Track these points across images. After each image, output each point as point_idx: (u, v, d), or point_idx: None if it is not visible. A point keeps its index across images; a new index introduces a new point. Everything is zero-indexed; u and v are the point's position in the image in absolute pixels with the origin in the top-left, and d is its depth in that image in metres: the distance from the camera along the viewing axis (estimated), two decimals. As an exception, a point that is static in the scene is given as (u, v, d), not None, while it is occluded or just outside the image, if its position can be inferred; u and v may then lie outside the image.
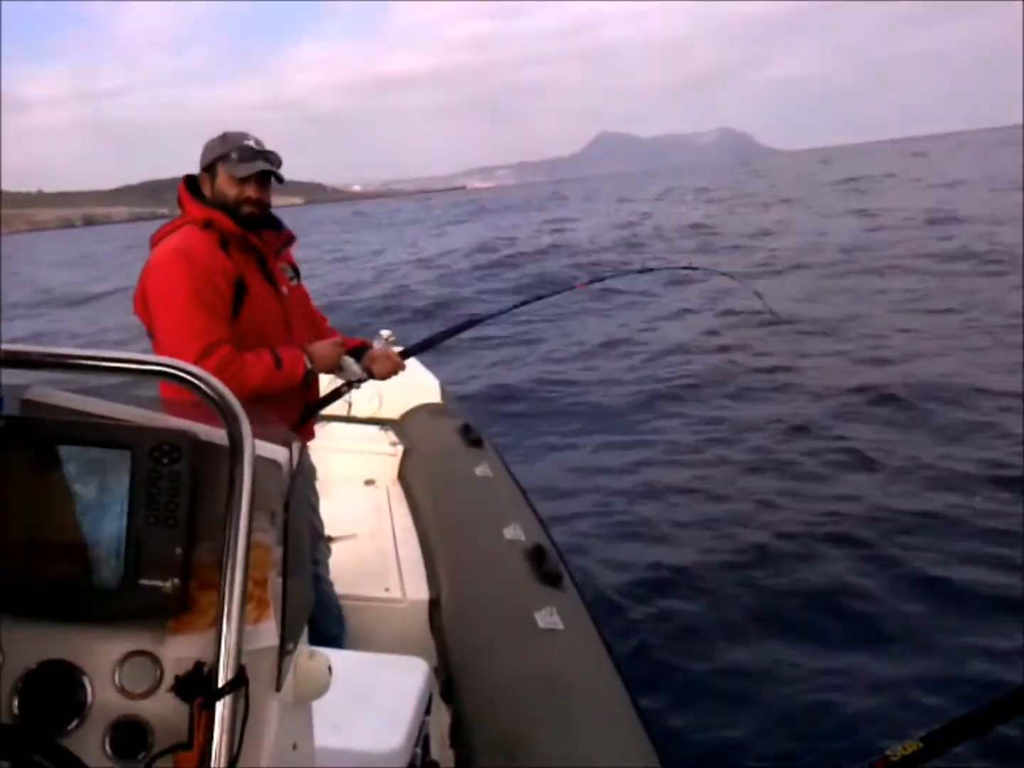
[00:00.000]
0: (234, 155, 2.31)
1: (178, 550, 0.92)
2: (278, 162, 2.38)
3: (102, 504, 0.92)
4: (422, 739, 1.88)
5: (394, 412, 4.46)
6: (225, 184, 2.33)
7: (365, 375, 2.60)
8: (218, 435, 0.93)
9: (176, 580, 0.92)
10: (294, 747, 1.04)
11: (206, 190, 2.36)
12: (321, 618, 2.56)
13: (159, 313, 2.25)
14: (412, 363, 5.29)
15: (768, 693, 3.49)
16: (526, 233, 28.68)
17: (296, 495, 1.02)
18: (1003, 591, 3.89)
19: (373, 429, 4.37)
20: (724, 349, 9.28)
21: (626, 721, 2.00)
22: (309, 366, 2.38)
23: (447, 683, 2.26)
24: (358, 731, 1.74)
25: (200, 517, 0.94)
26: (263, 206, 2.38)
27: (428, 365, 5.18)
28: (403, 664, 2.07)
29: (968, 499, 4.96)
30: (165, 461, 0.92)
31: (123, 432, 0.93)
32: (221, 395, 0.91)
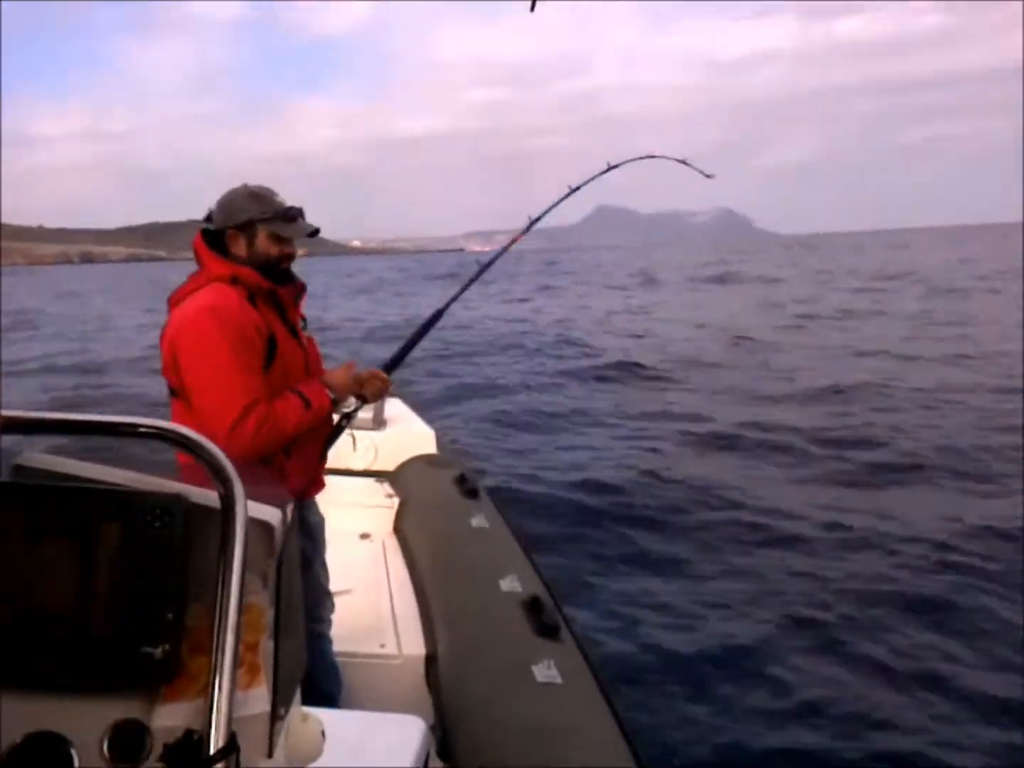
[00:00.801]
0: (277, 215, 2.34)
1: (169, 615, 0.91)
2: (302, 215, 2.42)
3: (93, 570, 0.91)
4: None
5: (390, 464, 4.45)
6: (266, 244, 2.34)
7: (359, 402, 2.61)
8: (211, 497, 0.93)
9: (167, 645, 0.91)
10: None
11: (238, 248, 2.34)
12: (319, 677, 2.52)
13: (196, 373, 2.19)
14: (407, 413, 5.32)
15: (771, 746, 3.44)
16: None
17: (289, 556, 1.02)
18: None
19: (369, 481, 4.35)
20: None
21: None
22: (332, 396, 2.41)
23: (444, 741, 2.23)
24: None
25: (192, 581, 0.93)
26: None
27: (426, 418, 5.19)
28: (399, 722, 2.04)
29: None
30: (157, 525, 0.91)
31: (114, 497, 0.93)
32: (213, 456, 0.91)
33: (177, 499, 0.93)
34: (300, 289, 2.49)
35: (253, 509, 0.92)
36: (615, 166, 3.74)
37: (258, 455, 2.18)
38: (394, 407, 5.24)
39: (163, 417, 1.15)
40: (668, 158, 3.80)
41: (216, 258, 2.32)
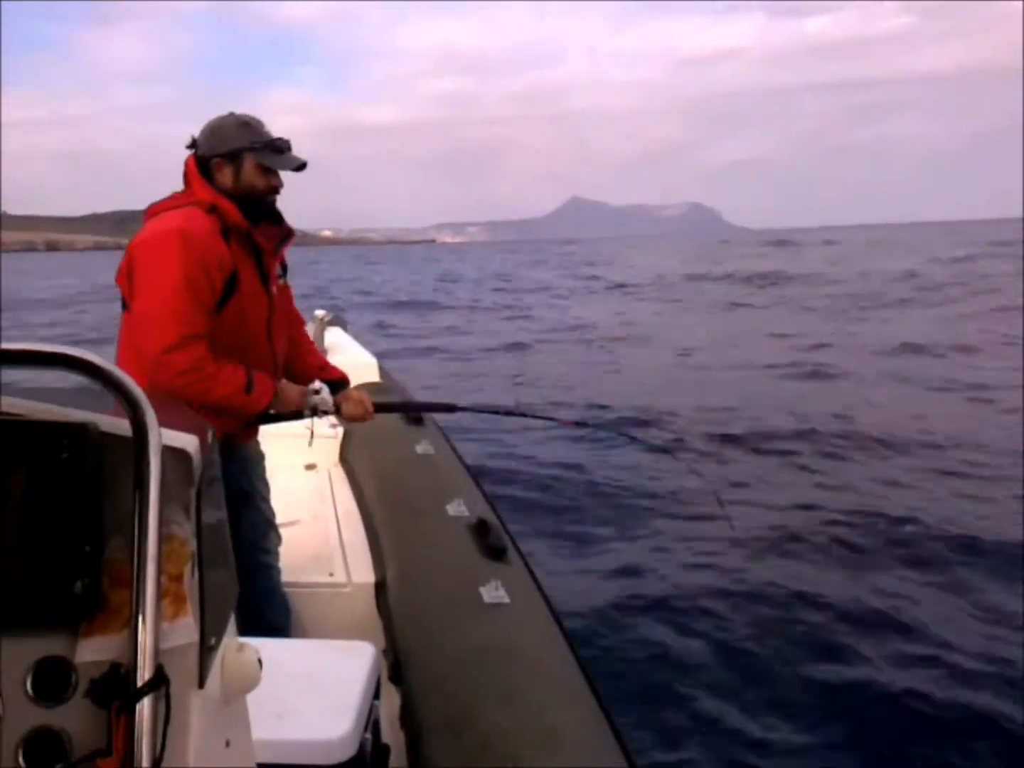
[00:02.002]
0: (266, 146, 2.27)
1: (86, 548, 0.88)
2: (290, 147, 2.34)
3: (1, 504, 0.86)
4: (371, 724, 1.85)
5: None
6: (253, 174, 2.27)
7: (333, 409, 2.53)
8: (123, 426, 0.89)
9: (86, 579, 0.87)
10: (227, 744, 1.01)
11: (224, 177, 2.26)
12: (267, 608, 2.52)
13: (143, 289, 2.16)
14: (349, 342, 5.24)
15: (712, 662, 3.55)
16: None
17: (212, 485, 0.98)
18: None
19: None
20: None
21: (577, 691, 1.99)
22: (271, 403, 2.32)
23: (395, 665, 2.24)
24: (303, 720, 1.71)
25: (109, 513, 0.89)
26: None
27: (366, 342, 5.11)
28: (349, 648, 2.04)
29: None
30: (65, 456, 0.87)
31: (17, 428, 0.88)
32: (120, 382, 0.86)
33: (85, 427, 0.88)
34: (285, 234, 2.40)
35: (168, 437, 0.88)
36: (634, 439, 3.97)
37: (176, 396, 2.09)
38: (335, 335, 5.16)
39: None
40: (643, 443, 3.71)
41: (202, 182, 2.26)
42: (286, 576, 2.64)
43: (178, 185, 2.33)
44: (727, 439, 7.28)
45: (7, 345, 0.86)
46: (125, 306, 2.24)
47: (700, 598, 4.15)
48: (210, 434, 0.97)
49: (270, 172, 2.30)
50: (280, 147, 2.30)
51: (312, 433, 2.67)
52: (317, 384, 2.53)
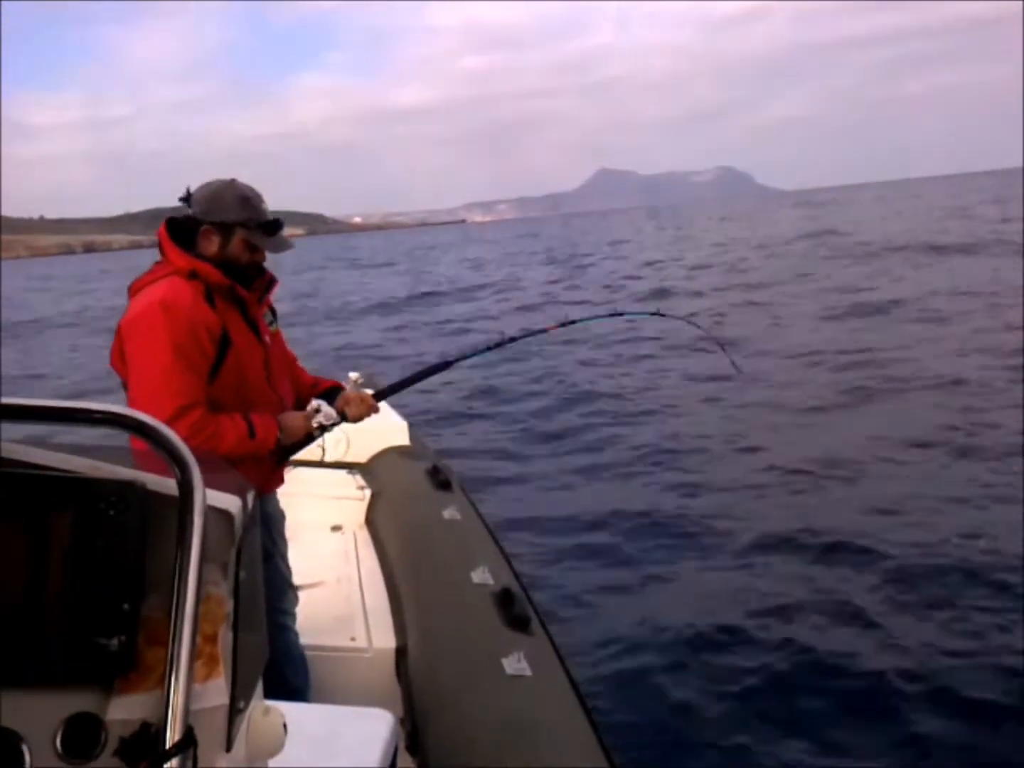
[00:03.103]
0: (259, 226, 2.30)
1: (125, 605, 0.89)
2: (282, 227, 2.38)
3: (45, 560, 0.88)
4: None
5: (362, 455, 4.41)
6: (239, 249, 2.30)
7: (339, 418, 2.55)
8: (168, 485, 0.91)
9: (123, 637, 0.88)
10: None
11: (209, 244, 2.29)
12: (286, 670, 2.50)
13: (135, 367, 2.17)
14: (382, 406, 5.27)
15: (742, 742, 3.46)
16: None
17: (250, 546, 0.99)
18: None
19: (340, 473, 4.32)
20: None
21: (597, 766, 1.96)
22: (279, 436, 2.35)
23: (413, 734, 2.21)
24: None
25: (149, 570, 0.91)
26: None
27: (396, 407, 5.15)
28: (368, 715, 2.02)
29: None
30: (111, 513, 0.89)
31: (67, 484, 0.90)
32: (170, 442, 0.88)
33: (132, 486, 0.90)
34: (268, 282, 2.44)
35: (212, 497, 0.90)
36: (620, 313, 3.72)
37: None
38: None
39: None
40: (674, 317, 3.70)
41: (178, 251, 2.27)
42: (307, 638, 2.62)
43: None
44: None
45: (62, 403, 0.89)
46: (125, 387, 2.25)
47: (729, 660, 4.06)
48: (251, 495, 0.99)
49: (256, 249, 2.33)
50: (273, 229, 2.33)
51: (323, 450, 2.66)
52: (315, 403, 2.52)
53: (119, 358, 2.23)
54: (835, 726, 3.49)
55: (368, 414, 2.64)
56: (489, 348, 3.20)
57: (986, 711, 3.45)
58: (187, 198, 2.32)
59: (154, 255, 2.36)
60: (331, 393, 2.62)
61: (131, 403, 2.17)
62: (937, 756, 3.26)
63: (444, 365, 3.00)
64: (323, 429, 2.57)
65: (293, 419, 2.44)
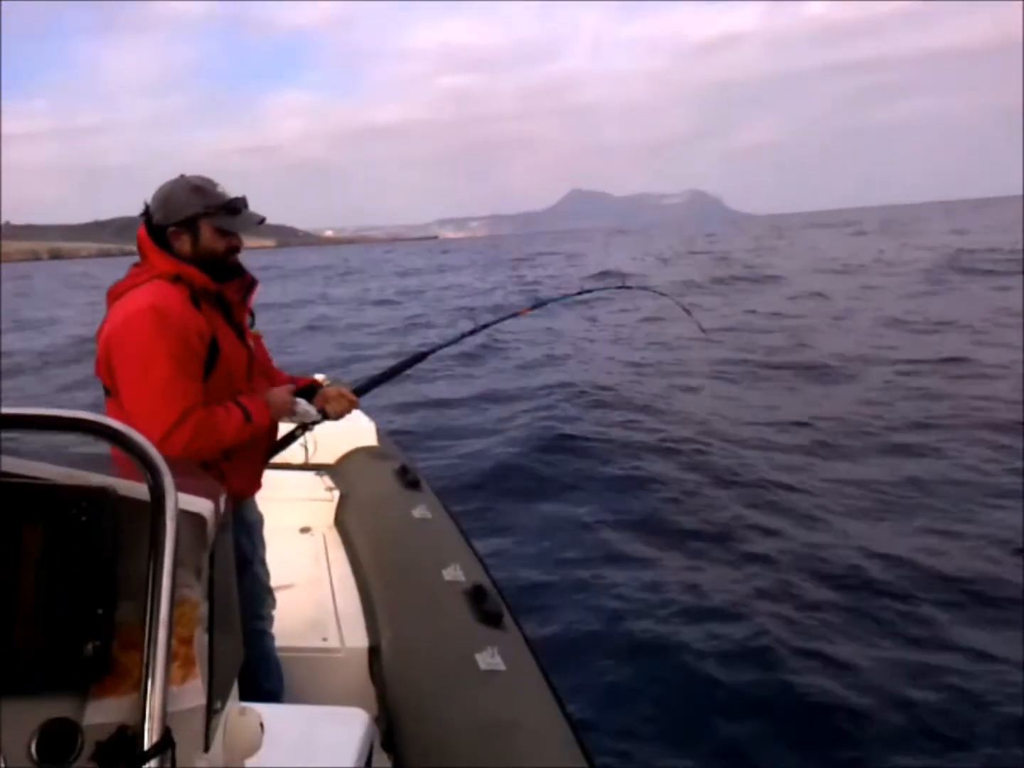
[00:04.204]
0: (220, 209, 2.24)
1: (99, 611, 0.89)
2: (246, 205, 2.31)
3: (17, 566, 0.88)
4: None
5: (329, 457, 4.40)
6: (212, 239, 2.25)
7: (319, 416, 2.53)
8: (140, 490, 0.91)
9: (97, 642, 0.89)
10: None
11: (182, 245, 2.23)
12: (261, 674, 2.49)
13: (130, 375, 2.10)
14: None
15: (715, 734, 3.51)
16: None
17: (223, 549, 1.00)
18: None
19: (308, 475, 4.30)
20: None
21: (571, 760, 1.98)
22: (272, 416, 2.35)
23: (388, 732, 2.22)
24: None
25: (122, 575, 0.91)
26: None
27: (366, 410, 5.13)
28: (342, 715, 2.03)
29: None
30: (83, 519, 0.89)
31: (38, 491, 0.91)
32: (140, 447, 0.89)
33: (104, 492, 0.90)
34: (248, 284, 2.39)
35: (184, 501, 0.91)
36: (588, 291, 3.74)
37: (192, 459, 2.12)
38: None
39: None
40: (645, 289, 3.76)
41: (161, 254, 2.22)
42: (279, 640, 2.62)
43: None
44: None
45: (30, 410, 0.89)
46: (108, 392, 2.20)
47: (707, 653, 4.11)
48: (223, 499, 0.99)
49: (229, 233, 2.28)
50: (236, 207, 2.27)
51: (307, 449, 2.64)
52: (291, 385, 2.51)
53: (104, 366, 2.15)
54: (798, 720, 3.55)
55: (349, 410, 2.61)
56: (464, 335, 3.19)
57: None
58: (146, 211, 2.27)
59: (121, 263, 2.31)
60: (308, 391, 2.58)
61: (124, 410, 2.11)
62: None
63: (421, 356, 3.01)
64: (304, 428, 2.55)
65: (277, 394, 2.42)
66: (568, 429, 8.24)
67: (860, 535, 5.34)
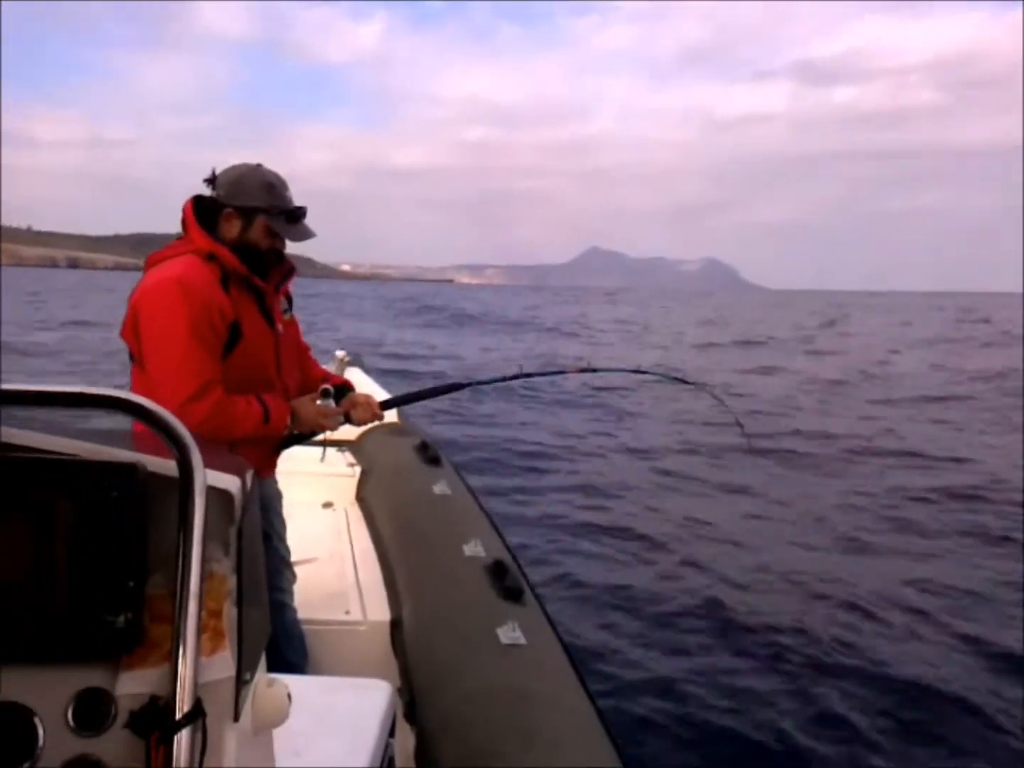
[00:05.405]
0: (283, 213, 2.28)
1: (130, 583, 0.91)
2: (305, 216, 2.35)
3: (49, 541, 0.90)
4: (386, 761, 1.87)
5: (351, 433, 4.42)
6: (261, 235, 2.28)
7: (343, 419, 2.55)
8: (168, 466, 0.93)
9: (128, 614, 0.91)
10: None
11: (230, 228, 2.27)
12: (283, 646, 2.53)
13: (153, 344, 2.15)
14: (368, 383, 5.29)
15: (731, 711, 3.53)
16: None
17: (250, 523, 1.02)
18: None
19: (330, 451, 4.32)
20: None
21: (591, 732, 2.00)
22: (289, 423, 2.35)
23: (410, 704, 2.25)
24: (321, 756, 1.72)
25: (152, 549, 0.93)
26: None
27: (385, 383, 5.16)
28: (365, 686, 2.06)
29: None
30: (114, 495, 0.91)
31: (68, 468, 0.92)
32: (169, 424, 0.90)
33: (134, 468, 0.92)
34: (287, 271, 2.42)
35: (212, 477, 0.92)
36: (643, 371, 3.60)
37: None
38: (354, 375, 5.21)
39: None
40: (654, 374, 3.61)
41: (200, 231, 2.25)
42: (302, 613, 2.66)
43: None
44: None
45: (61, 388, 0.91)
46: (133, 358, 2.24)
47: (722, 631, 4.14)
48: (250, 475, 1.01)
49: (277, 236, 2.31)
50: (296, 217, 2.31)
51: (324, 450, 2.67)
52: (323, 391, 2.51)
53: (131, 331, 2.20)
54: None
55: (372, 420, 2.64)
56: (505, 379, 3.22)
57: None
58: (212, 179, 2.30)
59: (138, 277, 2.31)
60: (339, 392, 2.59)
61: (147, 379, 2.17)
62: None
63: (458, 386, 3.01)
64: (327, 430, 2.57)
65: (306, 408, 2.43)
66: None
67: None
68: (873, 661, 3.85)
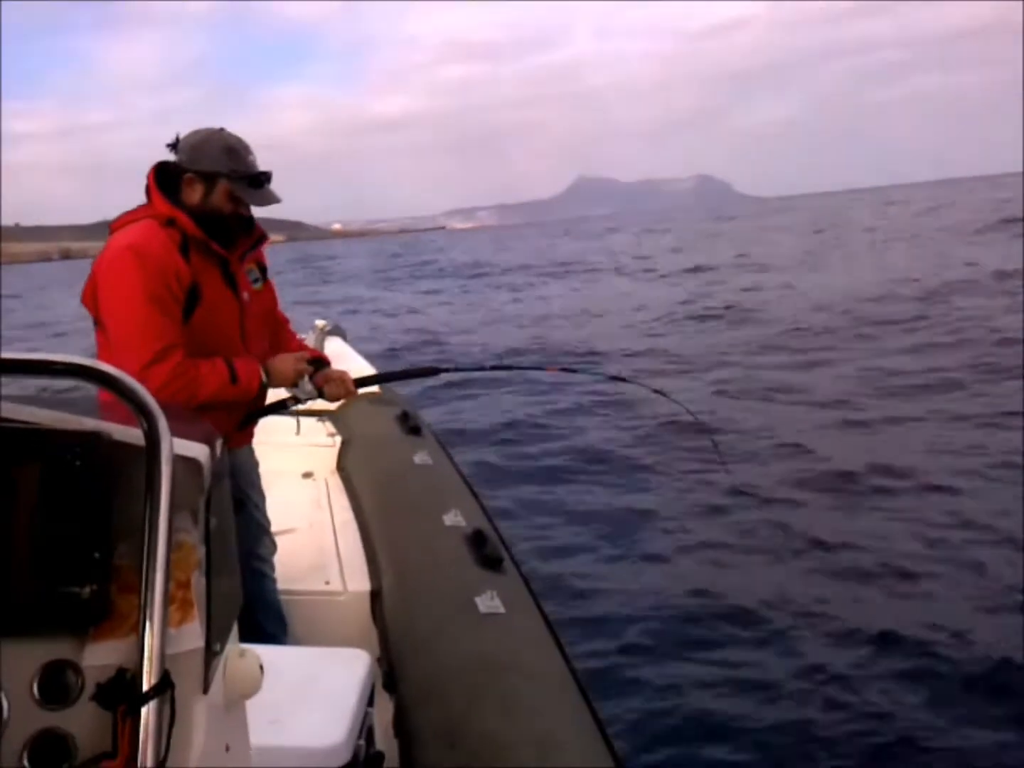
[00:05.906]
0: (244, 178, 2.25)
1: (96, 554, 0.90)
2: (270, 180, 2.32)
3: (12, 512, 0.88)
4: (365, 731, 1.87)
5: (331, 403, 4.40)
6: (222, 200, 2.26)
7: (316, 393, 2.52)
8: (135, 435, 0.91)
9: (94, 585, 0.89)
10: (227, 748, 1.03)
11: (191, 192, 2.25)
12: (261, 616, 2.53)
13: (111, 310, 2.17)
14: (349, 352, 5.26)
15: (708, 678, 3.56)
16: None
17: (220, 493, 1.00)
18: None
19: (310, 420, 4.30)
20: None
21: (570, 701, 2.01)
22: (264, 380, 2.33)
23: (389, 673, 2.26)
24: (299, 726, 1.73)
25: (118, 520, 0.91)
26: None
27: (365, 353, 5.13)
28: (344, 656, 2.06)
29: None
30: (78, 464, 0.89)
31: (31, 436, 0.90)
32: (134, 392, 0.88)
33: (98, 436, 0.90)
34: (257, 238, 2.40)
35: (179, 446, 0.90)
36: (623, 379, 3.53)
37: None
38: (335, 345, 5.18)
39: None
40: (632, 382, 3.53)
41: (161, 197, 2.24)
42: (282, 584, 2.65)
43: None
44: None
45: (25, 355, 0.88)
46: (97, 324, 2.25)
47: (696, 602, 4.17)
48: (219, 443, 0.99)
49: (240, 201, 2.28)
50: (259, 181, 2.28)
51: (298, 421, 2.65)
52: (304, 354, 2.52)
53: (91, 298, 2.22)
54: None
55: (345, 397, 2.64)
56: (481, 368, 3.19)
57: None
58: (175, 144, 2.28)
59: None
60: (315, 365, 2.56)
61: (108, 345, 2.17)
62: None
63: (432, 371, 2.99)
64: (296, 401, 2.55)
65: (282, 362, 2.41)
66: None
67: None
68: (873, 658, 3.79)
